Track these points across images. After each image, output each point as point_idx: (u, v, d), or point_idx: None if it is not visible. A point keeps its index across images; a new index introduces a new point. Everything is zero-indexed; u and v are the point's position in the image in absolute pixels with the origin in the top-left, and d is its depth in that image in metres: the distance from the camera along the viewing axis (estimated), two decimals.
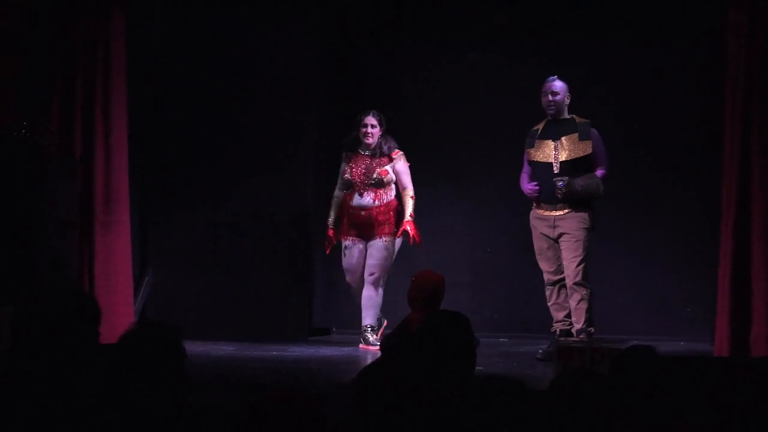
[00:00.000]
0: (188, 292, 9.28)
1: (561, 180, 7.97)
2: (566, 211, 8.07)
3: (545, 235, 8.13)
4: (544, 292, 8.15)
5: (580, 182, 8.01)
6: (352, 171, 8.69)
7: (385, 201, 8.67)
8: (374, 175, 8.62)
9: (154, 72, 9.36)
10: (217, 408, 3.65)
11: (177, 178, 9.42)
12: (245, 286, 9.28)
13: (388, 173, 8.65)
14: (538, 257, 8.21)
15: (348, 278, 8.81)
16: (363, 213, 8.65)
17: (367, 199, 8.65)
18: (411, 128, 9.74)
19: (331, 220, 8.83)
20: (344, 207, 8.77)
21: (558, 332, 8.03)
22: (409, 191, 8.68)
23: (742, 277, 7.56)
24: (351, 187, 8.72)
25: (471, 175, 9.70)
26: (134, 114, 8.74)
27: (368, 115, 8.70)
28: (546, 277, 8.15)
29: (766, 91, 7.58)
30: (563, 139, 8.12)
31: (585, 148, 8.09)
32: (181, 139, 9.42)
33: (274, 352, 8.30)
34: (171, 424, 3.29)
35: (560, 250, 8.07)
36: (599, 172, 8.09)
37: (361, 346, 8.62)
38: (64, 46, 8.31)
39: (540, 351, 8.03)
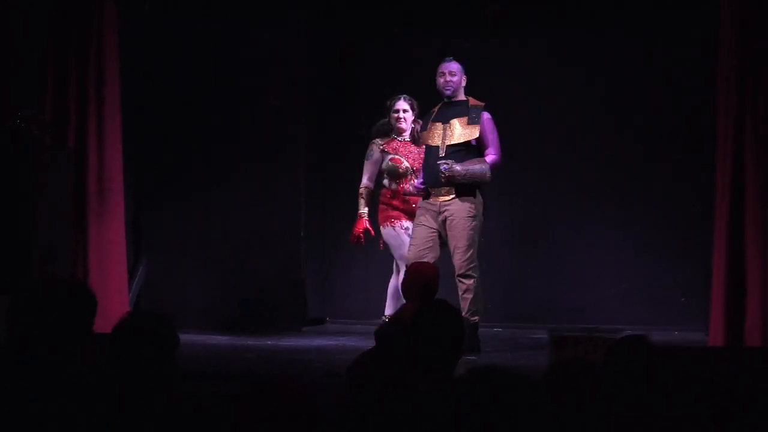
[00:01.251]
0: (182, 283, 9.29)
1: (445, 163, 7.74)
2: (452, 197, 7.82)
3: (427, 225, 7.86)
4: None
5: (465, 166, 7.76)
6: (408, 159, 8.36)
7: None
8: None
9: (148, 63, 9.35)
10: (210, 397, 3.66)
11: (171, 168, 9.42)
12: (239, 277, 9.28)
13: None
14: (411, 246, 7.92)
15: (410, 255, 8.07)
16: None
17: None
18: None
19: (365, 211, 8.43)
20: (395, 197, 8.40)
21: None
22: None
23: (737, 266, 7.57)
24: (399, 176, 8.35)
25: None
26: (127, 105, 8.73)
27: (399, 100, 8.46)
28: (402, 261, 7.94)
29: (760, 80, 7.58)
30: (453, 121, 7.92)
31: (471, 133, 7.87)
32: (175, 130, 9.41)
33: (269, 342, 8.31)
34: (164, 413, 3.30)
35: (444, 237, 7.84)
36: (489, 158, 7.85)
37: None
38: (57, 36, 8.30)
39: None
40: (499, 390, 2.85)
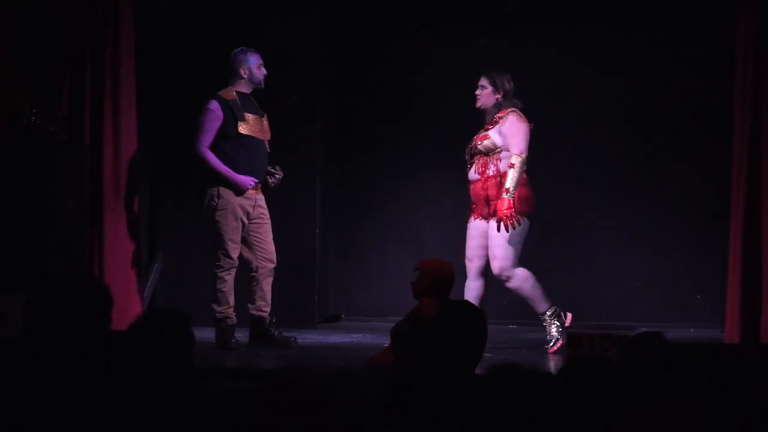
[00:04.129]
0: (198, 279, 9.28)
1: (280, 172, 7.94)
2: (260, 192, 7.91)
3: (242, 218, 7.79)
4: (226, 277, 7.78)
5: None
6: (477, 136, 7.77)
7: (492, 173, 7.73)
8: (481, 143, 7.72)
9: (164, 59, 9.36)
10: (225, 394, 3.67)
11: (187, 165, 9.42)
12: None
13: (489, 137, 7.70)
14: (233, 244, 7.76)
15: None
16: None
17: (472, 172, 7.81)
18: (417, 114, 9.73)
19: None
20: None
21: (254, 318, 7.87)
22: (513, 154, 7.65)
23: (753, 263, 7.55)
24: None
25: None
26: (143, 101, 8.75)
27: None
28: (234, 262, 7.80)
29: None
30: (264, 118, 7.96)
31: (269, 130, 7.99)
32: (190, 126, 9.41)
33: None
34: (180, 410, 3.30)
35: (250, 233, 7.82)
36: None
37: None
38: (73, 32, 8.32)
39: None
40: (518, 387, 2.86)
